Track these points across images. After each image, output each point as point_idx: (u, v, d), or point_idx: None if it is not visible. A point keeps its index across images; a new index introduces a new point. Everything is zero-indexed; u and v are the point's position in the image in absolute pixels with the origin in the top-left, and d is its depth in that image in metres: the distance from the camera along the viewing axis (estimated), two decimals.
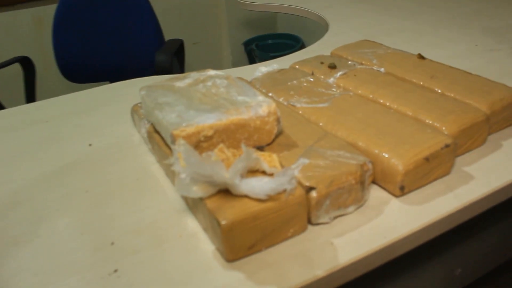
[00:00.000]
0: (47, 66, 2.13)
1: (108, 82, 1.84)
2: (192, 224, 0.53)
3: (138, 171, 0.64)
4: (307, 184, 0.49)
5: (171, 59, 1.42)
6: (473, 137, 0.62)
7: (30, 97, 1.78)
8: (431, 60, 0.81)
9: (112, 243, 0.51)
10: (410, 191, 0.55)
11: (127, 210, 0.56)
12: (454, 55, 0.98)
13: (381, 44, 0.92)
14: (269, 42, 2.58)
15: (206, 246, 0.49)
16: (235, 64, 2.61)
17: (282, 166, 0.51)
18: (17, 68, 1.74)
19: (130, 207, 0.57)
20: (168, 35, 1.80)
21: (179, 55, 1.66)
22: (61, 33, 1.73)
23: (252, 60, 2.56)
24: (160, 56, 1.43)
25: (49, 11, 2.18)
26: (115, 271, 0.47)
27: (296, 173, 0.50)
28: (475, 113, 0.63)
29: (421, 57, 0.82)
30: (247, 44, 2.57)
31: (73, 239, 0.53)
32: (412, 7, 1.35)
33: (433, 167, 0.55)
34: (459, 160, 0.61)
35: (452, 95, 0.68)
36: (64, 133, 0.78)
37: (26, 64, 1.73)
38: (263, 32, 2.64)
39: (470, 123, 0.61)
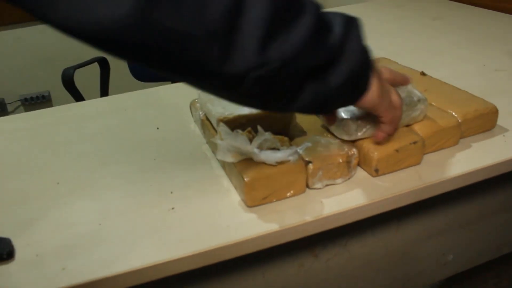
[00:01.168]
0: (119, 66, 2.43)
1: (169, 82, 2.12)
2: (227, 183, 0.76)
3: (192, 148, 0.88)
4: (306, 159, 0.71)
5: None
6: (444, 138, 0.81)
7: (104, 93, 2.08)
8: (430, 77, 1.00)
9: (172, 192, 0.75)
10: (384, 174, 0.75)
11: (183, 172, 0.80)
12: (461, 73, 1.15)
13: (395, 62, 1.11)
14: None
15: (234, 197, 0.72)
16: None
17: (291, 145, 0.72)
18: (95, 67, 2.04)
19: (185, 170, 0.80)
20: None
21: None
22: None
23: None
24: None
25: None
26: (173, 208, 0.71)
27: (300, 151, 0.72)
28: (449, 119, 0.82)
29: (423, 74, 1.01)
30: None
31: (145, 187, 0.77)
32: (440, 28, 1.52)
33: (403, 157, 0.75)
34: (432, 155, 0.81)
35: (436, 104, 0.87)
36: (138, 119, 1.03)
37: (103, 63, 2.04)
38: None
39: (442, 127, 0.80)
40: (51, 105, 2.59)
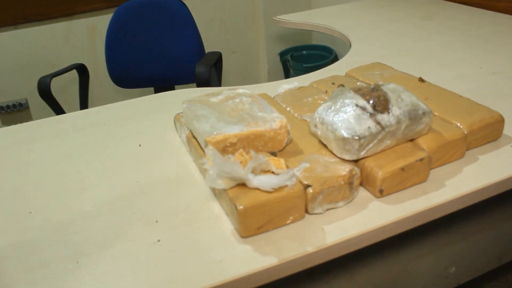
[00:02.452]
0: (98, 71, 2.34)
1: (152, 88, 2.04)
2: (218, 209, 0.69)
3: (178, 168, 0.81)
4: (305, 182, 0.64)
5: (209, 70, 1.59)
6: (450, 151, 0.75)
7: (84, 100, 1.99)
8: (429, 83, 0.94)
9: (157, 221, 0.68)
10: (388, 194, 0.69)
11: (169, 197, 0.73)
12: (458, 76, 1.10)
13: (391, 67, 1.05)
14: (303, 53, 2.73)
15: (226, 226, 0.65)
16: (271, 73, 2.76)
17: (287, 167, 0.66)
18: (73, 73, 1.95)
19: (171, 195, 0.73)
20: (209, 43, 1.97)
21: (217, 66, 1.83)
22: (113, 43, 1.93)
23: (287, 70, 2.71)
24: (200, 67, 1.60)
25: (101, 21, 2.40)
26: (159, 240, 0.64)
27: (298, 173, 0.65)
28: (454, 131, 0.76)
29: (421, 80, 0.96)
30: (282, 54, 2.73)
31: (127, 216, 0.69)
32: (431, 28, 1.47)
33: (409, 176, 0.69)
34: (438, 170, 0.75)
35: (439, 115, 0.82)
36: (118, 135, 0.95)
37: (82, 70, 1.95)
38: (298, 43, 2.79)
39: (448, 140, 0.74)
40: (29, 113, 2.49)
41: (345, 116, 0.69)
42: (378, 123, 0.68)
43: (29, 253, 0.64)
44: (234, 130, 0.69)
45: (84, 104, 1.97)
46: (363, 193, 0.70)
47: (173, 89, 1.95)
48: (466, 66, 1.16)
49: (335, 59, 2.51)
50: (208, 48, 1.97)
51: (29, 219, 0.71)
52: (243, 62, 2.77)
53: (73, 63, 1.97)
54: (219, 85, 1.88)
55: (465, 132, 0.77)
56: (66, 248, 0.64)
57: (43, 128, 1.02)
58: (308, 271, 0.74)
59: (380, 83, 0.95)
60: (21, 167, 0.86)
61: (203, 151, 0.72)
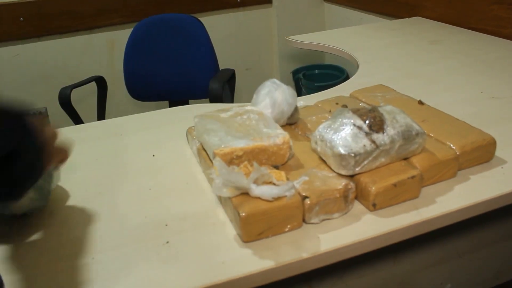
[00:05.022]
0: (115, 84, 2.42)
1: (167, 101, 2.11)
2: (222, 216, 0.75)
3: (188, 177, 0.87)
4: (303, 194, 0.70)
5: (222, 87, 1.66)
6: (442, 170, 0.80)
7: (101, 111, 2.07)
8: (428, 106, 1.00)
9: (166, 225, 0.74)
10: (381, 208, 0.74)
11: (178, 203, 0.79)
12: (459, 100, 1.15)
13: (393, 90, 1.11)
14: (315, 72, 2.80)
15: (230, 231, 0.71)
16: None
17: (288, 180, 0.72)
18: (92, 85, 2.03)
19: (180, 201, 0.79)
20: (224, 60, 2.04)
21: (230, 82, 1.90)
22: (131, 57, 2.02)
23: (298, 88, 2.78)
24: (213, 84, 1.68)
25: (120, 35, 2.50)
26: (167, 242, 0.70)
27: (297, 186, 0.71)
28: (447, 152, 0.81)
29: (421, 103, 1.01)
30: (295, 73, 2.80)
31: (139, 219, 0.76)
32: (438, 52, 1.53)
33: (401, 192, 0.74)
34: (430, 187, 0.80)
35: (434, 136, 0.87)
36: (134, 145, 1.02)
37: (101, 82, 2.03)
38: (311, 62, 2.86)
39: (440, 160, 0.80)
40: (47, 122, 2.58)
41: (343, 135, 0.75)
42: (373, 141, 0.73)
43: (48, 250, 0.70)
44: (240, 144, 0.75)
45: (101, 115, 2.05)
46: (357, 206, 0.75)
47: (187, 103, 2.03)
48: (468, 90, 1.20)
49: (346, 78, 2.57)
50: (222, 64, 2.04)
51: (50, 218, 0.78)
52: (256, 79, 2.82)
53: (92, 75, 2.06)
54: (232, 101, 1.95)
55: (458, 153, 0.82)
56: (84, 245, 0.70)
57: (64, 136, 1.09)
58: (306, 280, 0.80)
59: (381, 104, 1.01)
60: None
61: (212, 162, 0.78)
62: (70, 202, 0.82)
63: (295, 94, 0.93)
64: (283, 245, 0.67)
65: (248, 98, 0.99)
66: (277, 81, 0.94)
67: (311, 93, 1.24)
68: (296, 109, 0.93)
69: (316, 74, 2.79)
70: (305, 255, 0.66)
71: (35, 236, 0.74)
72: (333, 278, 0.83)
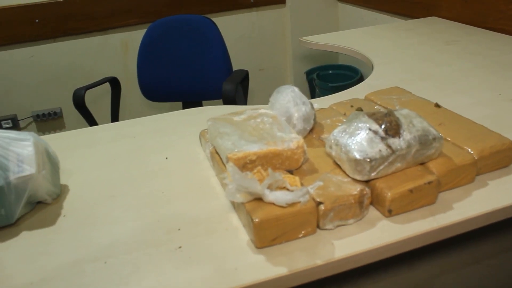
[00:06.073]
0: (129, 85, 2.44)
1: (180, 102, 2.12)
2: (236, 221, 0.74)
3: (201, 181, 0.86)
4: (318, 199, 0.69)
5: (235, 88, 1.66)
6: (460, 176, 0.79)
7: (115, 111, 2.08)
8: (445, 109, 0.98)
9: (179, 229, 0.73)
10: (397, 214, 0.73)
11: (191, 207, 0.78)
12: (476, 102, 1.13)
13: (409, 92, 1.09)
14: (329, 72, 2.78)
15: (243, 237, 0.70)
16: None
17: (302, 185, 0.71)
18: (105, 86, 2.05)
19: (193, 205, 0.79)
20: (236, 60, 2.04)
21: (244, 84, 1.89)
22: (145, 57, 2.02)
23: (312, 89, 2.77)
24: (227, 85, 1.67)
25: (134, 36, 2.51)
26: (180, 247, 0.69)
27: (311, 191, 0.70)
28: (465, 156, 0.80)
29: (437, 105, 0.99)
30: (309, 73, 2.78)
31: (152, 223, 0.75)
32: (454, 53, 1.50)
33: (417, 197, 0.73)
34: (447, 193, 0.79)
35: (451, 140, 0.85)
36: (147, 147, 1.02)
37: (115, 83, 2.04)
38: (325, 62, 2.84)
39: (457, 165, 0.78)
40: (62, 122, 2.61)
41: (358, 139, 0.73)
42: (389, 146, 0.72)
43: (62, 253, 0.70)
44: (254, 148, 0.74)
45: (115, 115, 2.06)
46: (373, 212, 0.74)
47: (201, 104, 2.02)
48: (485, 92, 1.18)
49: (361, 79, 2.55)
50: (235, 65, 2.04)
51: (63, 221, 0.78)
52: (270, 80, 2.84)
53: (106, 76, 2.07)
54: (245, 102, 1.94)
55: (476, 158, 0.80)
56: (96, 249, 0.70)
57: (77, 138, 1.09)
58: (319, 285, 0.78)
59: (397, 107, 0.99)
60: None
61: (225, 166, 0.78)
62: (82, 204, 0.82)
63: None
64: (297, 252, 0.66)
65: (261, 99, 0.98)
66: (296, 90, 0.92)
67: (325, 93, 1.23)
68: (312, 116, 0.91)
69: (330, 75, 2.77)
70: (319, 262, 0.65)
71: (46, 238, 0.74)
72: (347, 284, 0.82)
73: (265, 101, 0.95)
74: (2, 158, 0.77)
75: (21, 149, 0.79)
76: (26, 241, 0.74)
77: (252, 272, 0.64)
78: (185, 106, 2.11)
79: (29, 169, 0.76)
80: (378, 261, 0.70)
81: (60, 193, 0.86)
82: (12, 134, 0.81)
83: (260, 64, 2.79)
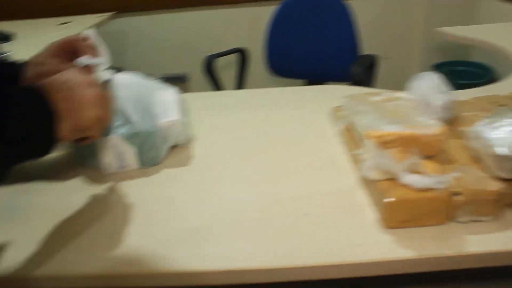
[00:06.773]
0: (257, 58, 2.50)
1: (303, 80, 2.13)
2: (363, 198, 0.74)
3: (330, 155, 0.87)
4: (454, 190, 0.67)
5: (365, 72, 1.64)
6: None
7: (240, 82, 2.15)
8: None
9: (308, 198, 0.75)
10: None
11: (320, 179, 0.80)
12: None
13: None
14: (457, 68, 2.63)
15: (370, 215, 0.70)
16: None
17: (439, 172, 0.69)
18: (230, 57, 2.12)
19: (322, 178, 0.81)
20: (365, 45, 2.00)
21: (371, 68, 1.86)
22: (275, 32, 2.06)
23: None
24: (356, 68, 1.65)
25: (264, 11, 2.56)
26: (307, 214, 0.71)
27: (449, 180, 0.68)
28: None
29: None
30: (436, 67, 2.65)
31: (280, 189, 0.78)
32: None
33: None
34: None
35: None
36: (275, 118, 1.05)
37: (243, 54, 2.11)
38: (453, 58, 2.69)
39: None
40: (188, 86, 2.76)
41: (505, 135, 0.70)
42: None
43: (184, 214, 0.76)
44: (392, 129, 0.73)
45: (240, 86, 2.14)
46: (510, 214, 0.70)
47: (323, 84, 2.02)
48: None
49: (492, 79, 2.38)
50: (363, 49, 2.00)
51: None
52: (394, 70, 2.75)
53: (232, 47, 2.15)
54: (372, 87, 1.91)
55: None
56: (226, 209, 0.75)
57: (208, 100, 1.16)
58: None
59: None
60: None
61: (361, 143, 0.78)
62: (207, 165, 0.88)
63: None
64: (426, 238, 0.65)
65: (385, 87, 0.96)
66: (438, 78, 0.89)
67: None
68: (452, 106, 0.88)
69: (457, 71, 2.62)
70: (449, 252, 0.63)
71: (154, 199, 0.80)
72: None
73: (388, 89, 0.92)
74: (152, 105, 0.84)
75: (166, 97, 0.87)
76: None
77: (378, 250, 0.64)
78: (308, 85, 2.12)
79: (174, 114, 0.83)
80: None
81: (190, 140, 0.93)
82: (157, 84, 0.89)
83: (387, 51, 2.71)
